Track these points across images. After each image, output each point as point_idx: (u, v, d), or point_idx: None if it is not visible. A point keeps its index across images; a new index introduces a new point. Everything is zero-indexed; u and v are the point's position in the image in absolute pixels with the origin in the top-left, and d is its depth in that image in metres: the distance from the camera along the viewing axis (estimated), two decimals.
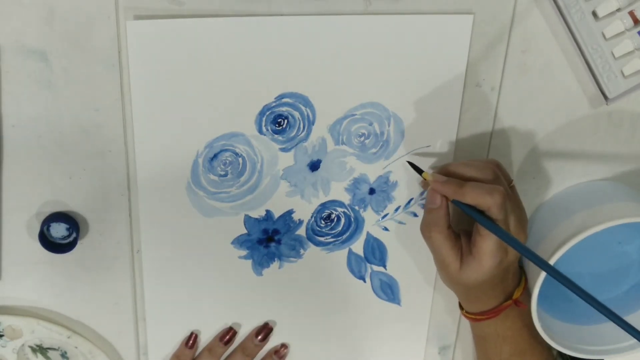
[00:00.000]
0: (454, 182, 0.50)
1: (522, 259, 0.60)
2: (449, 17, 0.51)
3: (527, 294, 0.56)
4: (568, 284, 0.46)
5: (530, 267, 0.56)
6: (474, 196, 0.49)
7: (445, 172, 0.52)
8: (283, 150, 0.54)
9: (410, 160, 0.55)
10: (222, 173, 0.53)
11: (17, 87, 0.48)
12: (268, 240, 0.57)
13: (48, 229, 0.52)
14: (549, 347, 0.59)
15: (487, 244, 0.50)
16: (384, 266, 0.60)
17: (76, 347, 0.57)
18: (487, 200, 0.48)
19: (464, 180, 0.50)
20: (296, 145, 0.54)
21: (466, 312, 0.57)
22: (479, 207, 0.49)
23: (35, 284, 0.55)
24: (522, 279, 0.56)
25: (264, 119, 0.52)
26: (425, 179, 0.53)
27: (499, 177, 0.51)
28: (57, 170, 0.51)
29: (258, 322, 0.60)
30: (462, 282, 0.53)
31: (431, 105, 0.54)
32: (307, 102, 0.52)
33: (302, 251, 0.58)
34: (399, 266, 0.60)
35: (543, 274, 0.52)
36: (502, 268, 0.52)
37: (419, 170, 0.54)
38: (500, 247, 0.50)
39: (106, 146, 0.51)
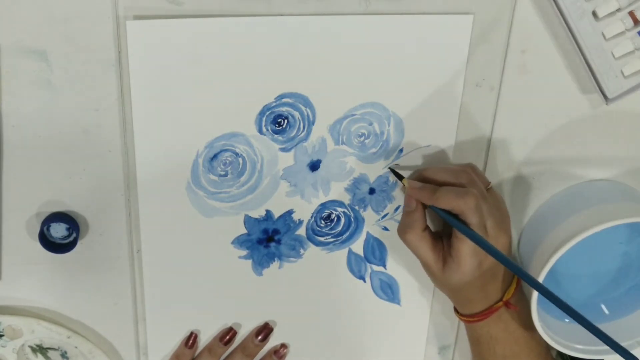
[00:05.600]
0: (428, 188, 0.52)
1: (519, 260, 0.60)
2: (449, 17, 0.51)
3: (521, 295, 0.57)
4: (535, 285, 0.47)
5: (530, 267, 0.56)
6: (447, 200, 0.50)
7: (422, 178, 0.54)
8: (283, 150, 0.54)
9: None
10: (222, 173, 0.53)
11: (17, 87, 0.48)
12: (268, 240, 0.57)
13: (48, 229, 0.52)
14: (547, 350, 0.59)
15: (464, 247, 0.51)
16: (384, 266, 0.60)
17: (76, 347, 0.57)
18: (460, 204, 0.49)
19: (439, 185, 0.52)
20: (296, 145, 0.54)
21: (460, 314, 0.57)
22: (453, 211, 0.50)
23: (35, 284, 0.55)
24: (513, 281, 0.56)
25: (264, 119, 0.52)
26: (404, 185, 0.54)
27: (474, 181, 0.52)
28: (57, 170, 0.51)
29: (258, 322, 0.60)
30: (446, 284, 0.54)
31: (431, 105, 0.54)
32: (307, 102, 0.52)
33: (302, 251, 0.58)
34: (399, 266, 0.60)
35: (542, 275, 0.52)
36: (484, 269, 0.52)
37: (400, 177, 0.55)
38: (478, 249, 0.51)
39: (106, 146, 0.51)
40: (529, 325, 0.55)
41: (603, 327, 0.59)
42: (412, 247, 0.54)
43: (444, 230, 0.57)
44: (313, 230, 0.57)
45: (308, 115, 0.53)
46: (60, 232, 0.53)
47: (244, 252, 0.57)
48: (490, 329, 0.56)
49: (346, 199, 0.57)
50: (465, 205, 0.49)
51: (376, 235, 0.59)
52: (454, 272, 0.52)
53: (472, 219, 0.50)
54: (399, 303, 0.62)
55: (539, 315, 0.54)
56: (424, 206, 0.53)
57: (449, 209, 0.50)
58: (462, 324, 0.64)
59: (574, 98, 0.56)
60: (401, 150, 0.56)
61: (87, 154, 0.51)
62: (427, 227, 0.54)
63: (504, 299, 0.55)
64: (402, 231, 0.54)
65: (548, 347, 0.59)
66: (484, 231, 0.50)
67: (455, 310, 0.58)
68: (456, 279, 0.52)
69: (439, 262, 0.53)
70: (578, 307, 0.60)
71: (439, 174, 0.53)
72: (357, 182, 0.56)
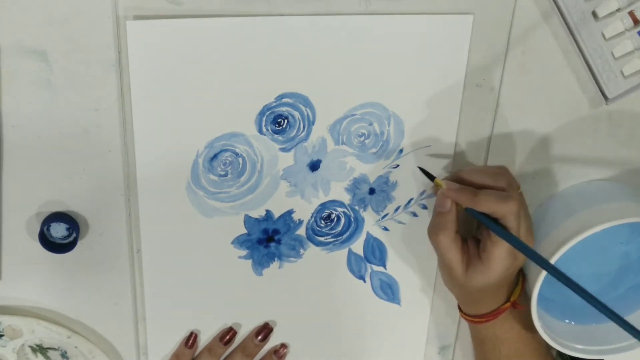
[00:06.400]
0: (468, 191, 0.50)
1: None
2: (449, 17, 0.51)
3: (525, 295, 0.57)
4: (581, 293, 0.47)
5: (530, 267, 0.56)
6: (489, 204, 0.49)
7: (457, 179, 0.53)
8: (283, 150, 0.54)
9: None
10: (222, 173, 0.53)
11: (17, 87, 0.48)
12: (268, 240, 0.57)
13: (48, 229, 0.52)
14: (548, 350, 0.59)
15: (499, 251, 0.50)
16: (384, 266, 0.60)
17: (76, 347, 0.57)
18: (503, 209, 0.49)
19: (476, 187, 0.51)
20: (296, 145, 0.54)
21: (465, 314, 0.57)
22: (493, 215, 0.49)
23: (35, 284, 0.55)
24: (518, 281, 0.56)
25: (264, 119, 0.52)
26: (437, 185, 0.53)
27: (513, 185, 0.51)
28: (57, 170, 0.51)
29: (258, 322, 0.60)
30: (467, 286, 0.53)
31: (431, 105, 0.54)
32: (307, 102, 0.52)
33: (302, 251, 0.58)
34: (399, 266, 0.60)
35: (543, 274, 0.52)
36: (509, 274, 0.52)
37: (431, 177, 0.54)
38: (510, 254, 0.50)
39: (106, 146, 0.51)
40: (533, 326, 0.55)
41: (603, 327, 0.59)
42: (441, 248, 0.52)
43: (467, 232, 0.56)
44: (313, 230, 0.57)
45: (308, 115, 0.53)
46: (60, 232, 0.53)
47: (244, 252, 0.57)
48: (496, 329, 0.56)
49: (346, 199, 0.57)
50: (507, 210, 0.48)
51: (376, 235, 0.59)
52: (480, 275, 0.51)
53: (513, 224, 0.49)
54: (399, 303, 0.62)
55: (539, 315, 0.54)
56: (457, 207, 0.52)
57: (490, 213, 0.49)
58: (463, 324, 0.64)
59: (574, 98, 0.56)
60: (401, 151, 0.56)
61: (87, 154, 0.51)
62: (458, 230, 0.52)
63: (511, 300, 0.55)
64: (434, 232, 0.52)
65: (549, 347, 0.59)
66: (518, 236, 0.50)
67: (460, 310, 0.58)
68: (479, 281, 0.51)
69: (463, 264, 0.52)
70: (578, 307, 0.61)
71: (476, 175, 0.52)
72: (357, 182, 0.56)
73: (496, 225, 0.49)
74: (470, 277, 0.52)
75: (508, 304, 0.55)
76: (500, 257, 0.50)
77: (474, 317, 0.56)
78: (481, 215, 0.50)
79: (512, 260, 0.51)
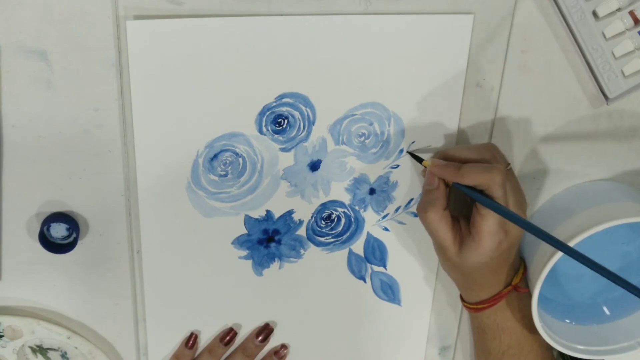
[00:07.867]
0: (452, 165, 0.51)
1: (522, 250, 0.60)
2: (449, 17, 0.51)
3: (526, 285, 0.56)
4: (576, 256, 0.46)
5: (531, 267, 0.56)
6: (472, 176, 0.49)
7: (444, 157, 0.53)
8: (283, 150, 0.54)
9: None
10: (223, 173, 0.53)
11: (17, 87, 0.48)
12: (268, 240, 0.57)
13: (48, 229, 0.52)
14: (549, 344, 0.59)
15: (487, 224, 0.50)
16: (384, 266, 0.60)
17: (76, 348, 0.57)
18: (486, 179, 0.49)
19: (462, 162, 0.51)
20: (296, 145, 0.54)
21: (467, 302, 0.57)
22: (478, 186, 0.50)
23: (35, 284, 0.55)
24: (520, 265, 0.56)
25: (264, 119, 0.52)
26: (426, 167, 0.53)
27: (497, 157, 0.52)
28: (57, 170, 0.51)
29: (258, 322, 0.60)
30: (461, 266, 0.53)
31: (431, 105, 0.54)
32: (307, 102, 0.52)
33: (302, 251, 0.58)
34: (399, 266, 0.60)
35: (543, 274, 0.52)
36: (502, 250, 0.51)
37: (420, 160, 0.54)
38: (500, 227, 0.50)
39: (106, 146, 0.51)
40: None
41: (604, 327, 0.59)
42: (431, 226, 0.52)
43: (460, 213, 0.56)
44: (313, 230, 0.57)
45: (308, 115, 0.53)
46: (60, 232, 0.53)
47: (244, 253, 0.57)
48: (497, 317, 0.56)
49: (346, 199, 0.57)
50: (491, 180, 0.49)
51: (377, 235, 0.59)
52: (472, 252, 0.51)
53: (498, 193, 0.49)
54: (399, 303, 0.62)
55: (539, 316, 0.54)
56: (446, 185, 0.52)
57: (475, 185, 0.50)
58: (463, 325, 0.64)
59: (574, 98, 0.56)
60: (401, 151, 0.56)
61: (87, 154, 0.51)
62: (447, 207, 0.52)
63: (513, 283, 0.55)
64: (423, 209, 0.52)
65: None
66: (506, 206, 0.50)
67: (462, 299, 0.58)
68: (473, 259, 0.51)
69: (456, 243, 0.52)
70: (579, 308, 0.61)
71: (461, 151, 0.52)
72: (357, 183, 0.56)
73: (482, 196, 0.50)
74: (463, 256, 0.52)
75: (509, 287, 0.54)
76: (489, 230, 0.50)
77: (476, 305, 0.56)
78: (467, 188, 0.50)
79: (502, 235, 0.51)
